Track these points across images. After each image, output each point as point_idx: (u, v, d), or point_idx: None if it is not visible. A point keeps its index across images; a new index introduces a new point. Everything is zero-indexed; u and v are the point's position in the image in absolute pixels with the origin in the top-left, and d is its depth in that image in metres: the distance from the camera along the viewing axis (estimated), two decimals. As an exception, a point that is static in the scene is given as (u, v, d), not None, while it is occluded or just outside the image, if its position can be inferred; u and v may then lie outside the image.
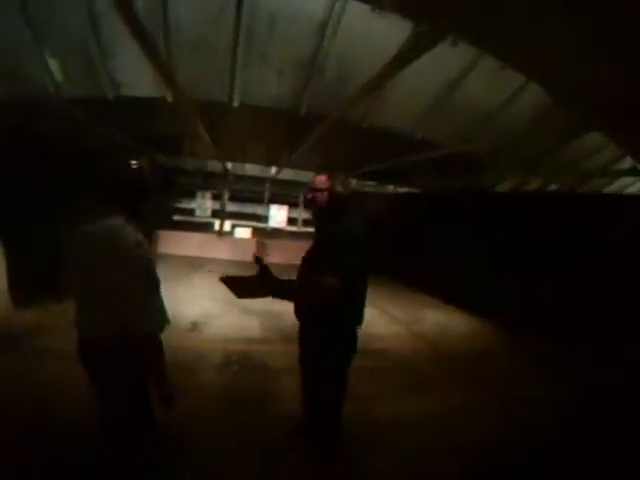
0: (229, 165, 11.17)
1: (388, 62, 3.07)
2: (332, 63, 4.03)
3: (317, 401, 2.48)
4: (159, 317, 1.80)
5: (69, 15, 3.65)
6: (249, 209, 13.69)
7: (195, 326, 5.47)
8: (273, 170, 10.95)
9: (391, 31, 3.76)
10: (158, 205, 11.84)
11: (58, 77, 4.55)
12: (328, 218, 2.33)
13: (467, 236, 7.28)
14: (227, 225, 12.41)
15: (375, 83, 3.40)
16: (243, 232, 12.15)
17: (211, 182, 12.46)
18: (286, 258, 11.47)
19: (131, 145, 7.82)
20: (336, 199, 2.30)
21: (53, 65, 4.38)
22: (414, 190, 11.29)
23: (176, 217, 13.05)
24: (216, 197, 13.10)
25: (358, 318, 2.37)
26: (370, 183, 11.66)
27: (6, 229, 5.25)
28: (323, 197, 2.32)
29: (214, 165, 11.09)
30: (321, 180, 2.35)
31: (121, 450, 1.97)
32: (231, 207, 13.33)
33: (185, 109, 4.40)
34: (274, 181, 12.00)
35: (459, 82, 4.52)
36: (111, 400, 1.89)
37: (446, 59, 4.16)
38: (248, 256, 9.77)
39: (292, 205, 13.06)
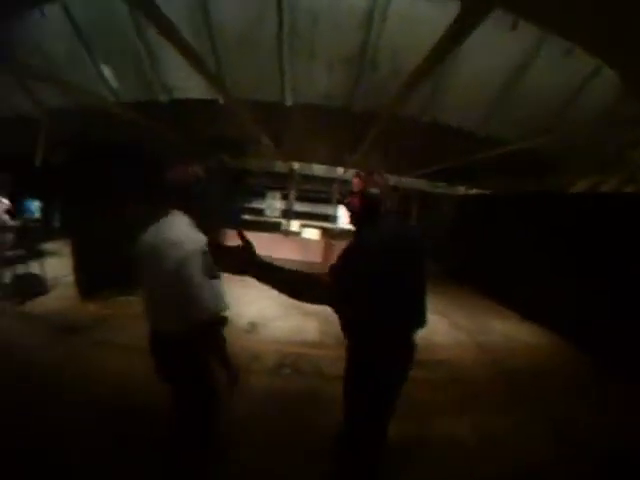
0: (296, 165, 11.22)
1: (434, 45, 2.79)
2: (383, 55, 3.80)
3: (359, 419, 2.26)
4: (219, 303, 1.99)
5: (115, 23, 3.71)
6: (318, 209, 13.67)
7: (253, 327, 5.54)
8: (339, 170, 10.85)
9: (441, 15, 3.45)
10: (224, 205, 12.25)
11: (113, 84, 4.69)
12: (362, 222, 2.20)
13: (542, 241, 6.78)
14: (296, 225, 12.47)
15: (424, 69, 3.12)
16: (311, 232, 12.15)
17: (280, 182, 12.51)
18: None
19: (191, 147, 8.08)
20: (369, 202, 2.14)
21: (107, 73, 4.52)
22: (485, 192, 10.66)
23: (246, 217, 13.34)
24: (286, 197, 13.19)
25: (410, 327, 2.15)
26: (440, 184, 11.18)
27: (74, 229, 5.72)
28: (356, 200, 2.18)
29: (282, 165, 11.16)
30: (355, 182, 2.22)
31: (190, 435, 2.24)
32: (300, 207, 13.41)
33: (237, 110, 4.39)
34: (342, 181, 11.87)
35: (523, 71, 4.07)
36: (183, 387, 2.15)
37: (507, 46, 3.78)
38: (315, 257, 9.90)
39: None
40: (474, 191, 11.05)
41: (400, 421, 2.44)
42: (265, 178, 12.75)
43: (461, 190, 11.18)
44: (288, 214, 12.49)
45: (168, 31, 2.84)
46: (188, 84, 4.28)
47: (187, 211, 2.07)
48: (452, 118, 4.95)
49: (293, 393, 3.85)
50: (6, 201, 6.62)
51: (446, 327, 6.37)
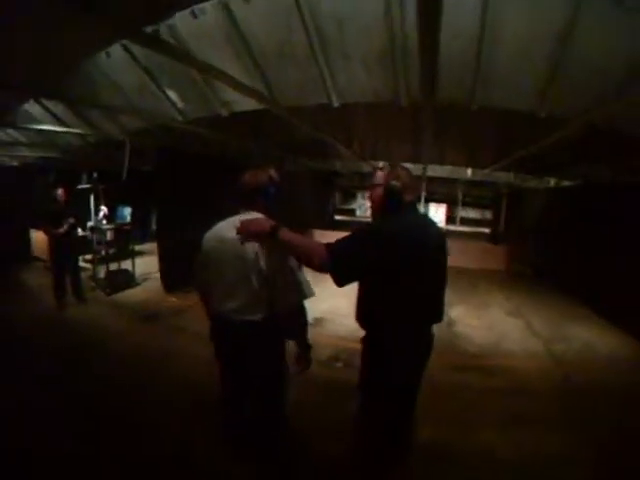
0: (380, 164, 11.25)
1: None
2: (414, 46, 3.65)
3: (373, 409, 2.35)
4: (304, 290, 2.12)
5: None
6: None
7: (319, 322, 5.78)
8: (424, 168, 10.66)
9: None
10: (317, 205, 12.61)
11: (179, 104, 5.32)
12: (383, 213, 2.23)
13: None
14: None
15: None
16: None
17: (367, 182, 12.64)
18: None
19: (271, 152, 8.65)
20: (390, 194, 2.15)
21: (173, 96, 5.15)
22: (576, 183, 9.64)
23: (338, 217, 13.58)
24: None
25: (425, 320, 2.19)
26: (528, 177, 10.39)
27: (160, 231, 6.66)
28: (378, 193, 2.21)
29: (370, 166, 11.24)
30: (377, 175, 2.25)
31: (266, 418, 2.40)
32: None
33: (289, 117, 4.76)
34: (429, 179, 11.63)
35: (568, 34, 3.45)
36: (259, 371, 2.26)
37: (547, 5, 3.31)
38: None
39: (450, 203, 12.46)
40: (566, 184, 10.04)
41: (437, 425, 2.73)
42: (355, 179, 12.88)
43: (551, 182, 10.31)
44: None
45: (188, 60, 3.25)
46: (241, 96, 4.52)
47: (261, 211, 2.19)
48: (503, 101, 4.56)
49: (338, 384, 3.89)
50: (105, 208, 7.87)
51: (519, 331, 5.95)
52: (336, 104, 4.63)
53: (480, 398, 3.88)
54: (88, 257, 8.08)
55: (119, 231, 8.06)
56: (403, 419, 2.31)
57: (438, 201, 12.48)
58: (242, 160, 8.70)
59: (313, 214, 14.41)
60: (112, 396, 3.70)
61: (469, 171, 10.39)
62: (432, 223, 2.29)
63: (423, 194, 12.25)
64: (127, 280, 7.48)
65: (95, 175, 7.52)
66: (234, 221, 2.14)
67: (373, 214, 2.32)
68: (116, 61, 4.62)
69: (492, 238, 11.94)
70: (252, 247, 2.03)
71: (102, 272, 7.37)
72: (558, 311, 6.95)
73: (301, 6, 3.46)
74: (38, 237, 7.96)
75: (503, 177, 10.32)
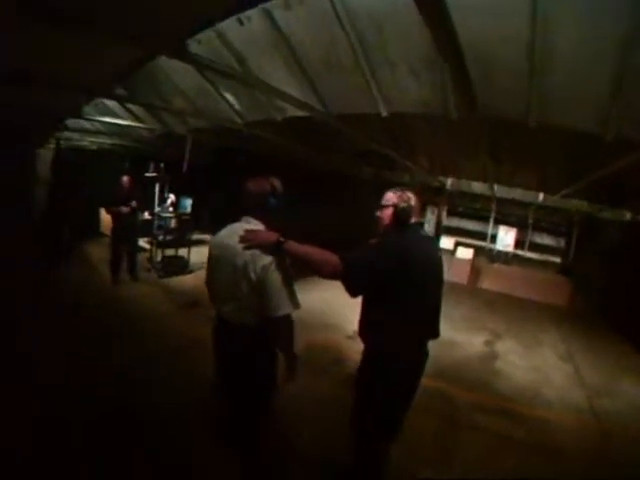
0: (448, 181, 10.97)
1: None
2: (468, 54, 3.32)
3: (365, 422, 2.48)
4: (292, 303, 2.15)
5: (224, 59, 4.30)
6: (477, 227, 12.83)
7: (356, 335, 5.82)
8: (494, 187, 10.22)
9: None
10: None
11: (237, 107, 5.60)
12: (390, 232, 2.41)
13: None
14: (449, 243, 12.04)
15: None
16: (465, 252, 11.51)
17: (436, 198, 12.30)
18: (500, 285, 10.80)
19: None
20: (399, 215, 2.35)
21: (230, 98, 5.44)
22: None
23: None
24: (451, 213, 12.77)
25: (421, 334, 2.37)
26: (603, 207, 9.53)
27: (213, 226, 7.12)
28: (388, 213, 2.40)
29: (439, 181, 10.97)
30: (388, 196, 2.44)
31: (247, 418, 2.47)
32: (456, 223, 12.92)
33: (342, 126, 4.85)
34: (499, 200, 11.14)
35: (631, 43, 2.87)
36: (250, 372, 2.32)
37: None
38: (461, 278, 9.47)
39: (520, 227, 11.79)
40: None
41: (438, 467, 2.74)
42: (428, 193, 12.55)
43: (626, 216, 9.36)
44: (437, 229, 12.22)
45: (225, 73, 3.46)
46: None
47: (260, 219, 2.28)
48: (563, 118, 4.10)
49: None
50: (172, 196, 8.45)
51: (565, 378, 5.40)
52: (384, 113, 4.53)
53: (497, 449, 3.58)
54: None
55: (180, 220, 8.59)
56: (389, 424, 2.43)
57: (509, 224, 11.85)
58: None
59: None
60: (136, 368, 4.15)
61: (541, 195, 9.76)
62: (433, 244, 2.56)
63: (492, 214, 11.77)
64: (181, 266, 7.97)
65: (162, 165, 8.10)
66: (234, 228, 2.27)
67: (381, 231, 2.47)
68: (176, 64, 4.91)
69: (562, 269, 11.17)
70: (243, 256, 2.09)
71: (159, 256, 7.92)
72: (614, 359, 6.31)
73: (337, 10, 3.41)
74: (105, 216, 8.66)
75: (576, 205, 9.63)
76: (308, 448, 3.20)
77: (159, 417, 3.44)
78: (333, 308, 6.66)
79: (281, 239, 2.09)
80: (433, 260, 2.34)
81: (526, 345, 6.50)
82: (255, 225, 2.24)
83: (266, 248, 2.09)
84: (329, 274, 2.12)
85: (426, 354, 2.41)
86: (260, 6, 3.53)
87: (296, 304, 2.17)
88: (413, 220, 2.37)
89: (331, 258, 2.13)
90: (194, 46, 3.76)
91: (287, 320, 2.18)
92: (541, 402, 4.59)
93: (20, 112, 5.32)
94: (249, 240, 2.10)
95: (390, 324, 2.25)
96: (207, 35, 3.93)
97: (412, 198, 2.35)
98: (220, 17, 3.61)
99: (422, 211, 2.53)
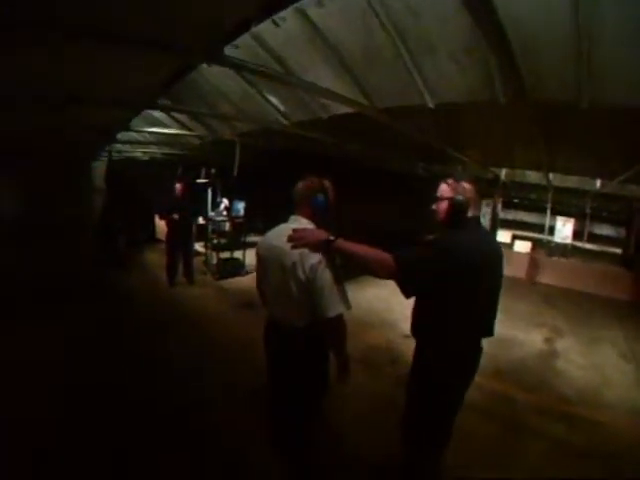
0: (502, 172, 10.66)
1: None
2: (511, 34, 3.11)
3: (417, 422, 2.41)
4: (343, 303, 2.14)
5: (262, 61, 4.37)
6: (534, 219, 12.28)
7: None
8: (550, 176, 9.79)
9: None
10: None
11: (282, 108, 5.68)
12: (447, 227, 2.31)
13: None
14: (506, 236, 11.67)
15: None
16: (522, 245, 11.10)
17: (490, 190, 11.92)
18: (559, 279, 10.40)
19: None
20: (455, 208, 2.23)
21: (274, 100, 5.52)
22: None
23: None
24: (507, 206, 12.35)
25: (475, 334, 2.27)
26: None
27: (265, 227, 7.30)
28: (444, 206, 2.29)
29: (490, 172, 10.66)
30: (443, 188, 2.32)
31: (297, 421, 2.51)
32: (513, 215, 12.43)
33: (389, 120, 4.82)
34: (556, 189, 10.69)
35: None
36: (301, 372, 2.35)
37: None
38: (519, 271, 9.15)
39: (578, 217, 11.24)
40: None
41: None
42: (482, 185, 12.24)
43: None
44: (493, 222, 11.84)
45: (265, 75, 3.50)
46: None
47: (309, 218, 2.31)
48: (616, 96, 3.89)
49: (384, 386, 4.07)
50: (226, 200, 8.68)
51: (627, 378, 5.01)
52: (430, 105, 4.42)
53: (556, 455, 3.38)
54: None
55: (233, 223, 8.83)
56: (441, 428, 2.36)
57: (566, 214, 11.32)
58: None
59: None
60: (187, 360, 4.48)
61: (598, 182, 9.26)
62: (492, 240, 2.40)
63: (549, 206, 11.30)
64: (236, 268, 8.18)
65: (213, 170, 8.32)
66: (281, 229, 2.29)
67: (437, 226, 2.34)
68: (217, 70, 4.96)
69: (623, 261, 10.53)
70: (291, 257, 2.10)
71: (214, 259, 8.16)
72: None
73: (372, 3, 3.35)
74: (160, 222, 9.06)
75: (636, 191, 9.08)
76: (360, 448, 3.18)
77: (206, 408, 3.61)
78: (389, 306, 6.62)
79: (330, 237, 2.08)
80: (492, 257, 2.22)
81: (587, 343, 6.14)
82: (305, 224, 2.25)
83: (315, 247, 2.08)
84: (381, 274, 2.07)
85: (479, 352, 2.30)
86: (293, 6, 3.53)
87: (347, 304, 2.16)
88: (471, 214, 2.23)
89: (382, 257, 2.06)
90: (232, 52, 3.74)
91: (338, 321, 2.15)
92: (600, 404, 4.32)
93: (72, 129, 5.64)
94: (297, 239, 2.10)
95: (441, 324, 2.18)
96: (244, 40, 3.94)
97: (468, 189, 2.22)
98: (255, 20, 3.61)
99: (479, 204, 2.36)
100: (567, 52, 3.24)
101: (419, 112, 4.66)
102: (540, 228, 11.63)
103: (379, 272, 2.07)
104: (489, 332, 2.29)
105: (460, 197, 2.19)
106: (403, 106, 4.65)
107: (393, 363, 4.72)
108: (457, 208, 2.20)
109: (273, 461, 2.71)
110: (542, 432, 3.70)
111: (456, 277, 2.03)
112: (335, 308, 2.09)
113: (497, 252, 2.28)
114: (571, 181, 9.79)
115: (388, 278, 2.05)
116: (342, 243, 2.08)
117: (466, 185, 2.23)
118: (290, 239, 2.11)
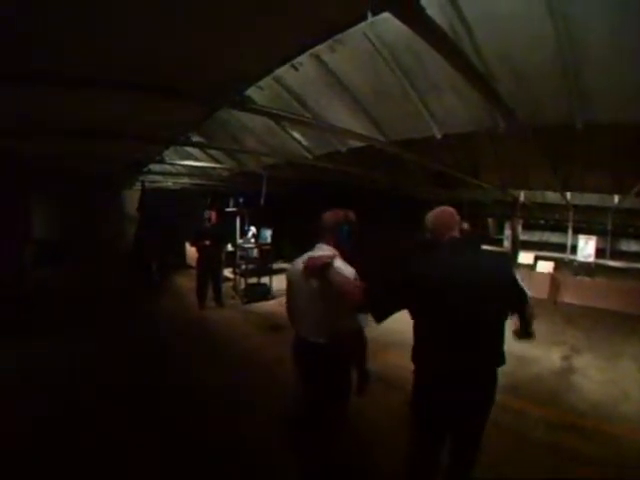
0: (521, 194, 10.79)
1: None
2: (500, 68, 3.54)
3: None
4: (359, 320, 2.38)
5: (284, 102, 4.77)
6: (556, 239, 12.25)
7: None
8: (568, 195, 9.87)
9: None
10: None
11: (305, 143, 6.12)
12: (415, 254, 2.33)
13: None
14: (528, 258, 11.63)
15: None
16: (544, 265, 11.08)
17: (510, 212, 12.00)
18: (581, 298, 10.19)
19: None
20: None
21: (297, 135, 5.96)
22: None
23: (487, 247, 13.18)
24: (529, 227, 12.49)
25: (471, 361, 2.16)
26: None
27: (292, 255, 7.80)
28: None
29: (514, 195, 10.78)
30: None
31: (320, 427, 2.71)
32: (534, 236, 12.54)
33: (403, 152, 5.20)
34: (577, 208, 10.74)
35: None
36: (326, 384, 2.54)
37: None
38: (540, 292, 9.05)
39: (601, 234, 11.09)
40: None
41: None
42: (501, 208, 12.36)
43: None
44: (513, 244, 11.86)
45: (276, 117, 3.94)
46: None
47: (334, 246, 2.52)
48: (607, 114, 3.89)
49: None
50: (253, 228, 9.15)
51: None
52: (438, 135, 4.75)
53: (562, 466, 3.36)
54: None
55: (261, 250, 9.20)
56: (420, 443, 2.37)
57: (589, 232, 11.27)
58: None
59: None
60: (214, 377, 4.84)
61: (616, 198, 9.32)
62: (488, 262, 2.28)
63: (570, 225, 11.28)
64: (263, 293, 8.55)
65: (241, 200, 8.82)
66: (305, 256, 2.52)
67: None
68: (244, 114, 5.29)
69: (647, 276, 10.38)
70: (315, 280, 2.38)
71: (242, 284, 8.57)
72: None
73: (377, 46, 3.71)
74: (191, 249, 9.46)
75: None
76: (375, 454, 3.33)
77: (232, 419, 3.92)
78: (409, 326, 6.64)
79: (326, 266, 2.29)
80: (477, 278, 2.09)
81: (607, 359, 6.05)
82: (327, 251, 2.46)
83: (316, 273, 2.34)
84: (357, 307, 2.25)
85: (474, 375, 2.17)
86: (309, 52, 3.83)
87: (365, 322, 2.40)
88: (446, 237, 2.22)
89: (356, 291, 2.18)
90: (256, 92, 4.22)
91: (359, 336, 2.41)
92: (618, 418, 4.26)
93: (107, 162, 6.28)
94: (308, 266, 2.37)
95: (420, 342, 2.25)
96: (267, 82, 4.36)
97: (430, 218, 2.33)
98: (275, 65, 3.94)
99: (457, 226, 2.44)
100: (557, 82, 3.57)
101: (428, 142, 5.02)
102: (562, 248, 11.55)
103: (353, 304, 2.23)
104: (496, 359, 2.22)
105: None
106: (412, 139, 5.06)
107: (410, 381, 4.76)
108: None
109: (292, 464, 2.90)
110: (556, 448, 3.65)
111: (423, 298, 2.07)
112: (356, 323, 2.36)
113: (488, 272, 2.18)
114: (591, 199, 9.86)
115: (360, 310, 2.28)
116: (332, 272, 2.28)
117: (429, 215, 2.36)
118: (304, 266, 2.40)
